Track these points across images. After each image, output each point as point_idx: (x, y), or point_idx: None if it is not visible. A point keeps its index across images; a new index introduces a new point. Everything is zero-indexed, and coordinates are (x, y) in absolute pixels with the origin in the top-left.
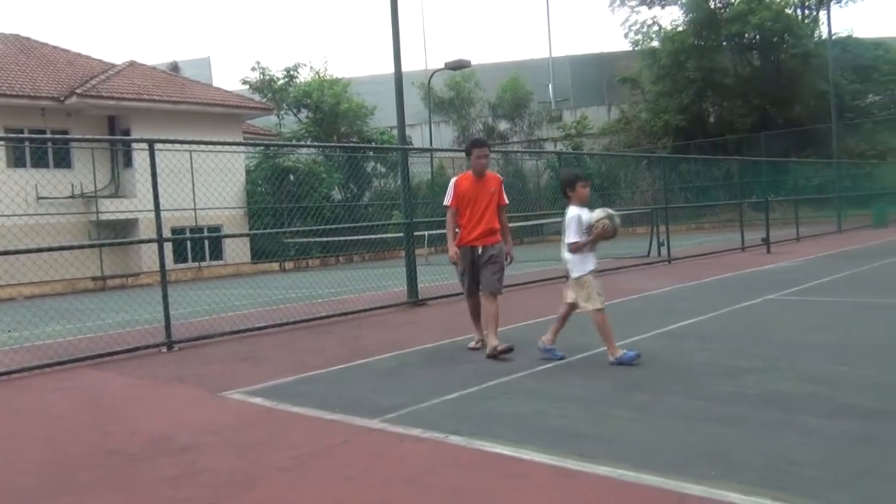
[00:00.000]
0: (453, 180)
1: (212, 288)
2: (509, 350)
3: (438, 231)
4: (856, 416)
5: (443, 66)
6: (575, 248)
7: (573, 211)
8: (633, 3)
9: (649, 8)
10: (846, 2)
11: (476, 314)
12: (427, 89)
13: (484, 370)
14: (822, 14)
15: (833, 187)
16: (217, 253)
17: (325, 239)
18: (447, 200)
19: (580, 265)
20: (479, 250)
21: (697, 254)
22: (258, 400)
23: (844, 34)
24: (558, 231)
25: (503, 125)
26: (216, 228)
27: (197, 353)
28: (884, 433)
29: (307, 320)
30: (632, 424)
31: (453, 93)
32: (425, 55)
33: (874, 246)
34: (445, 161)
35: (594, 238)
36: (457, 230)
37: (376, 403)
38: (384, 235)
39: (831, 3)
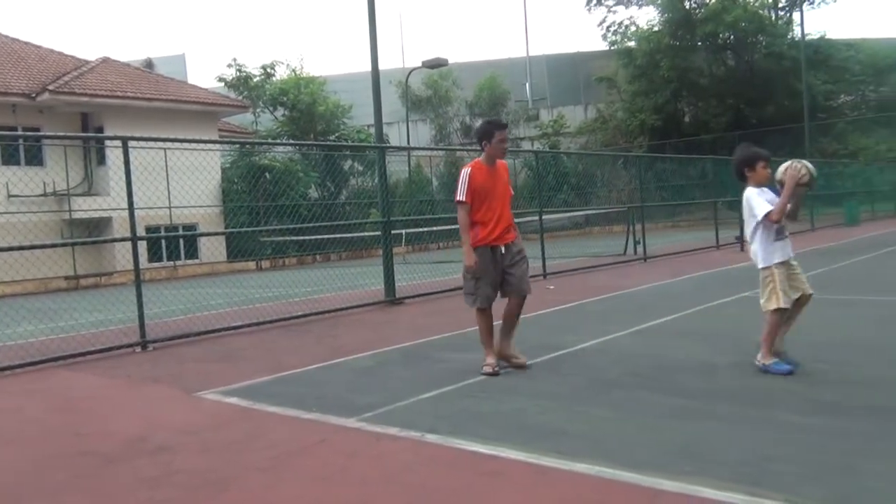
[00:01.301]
0: (467, 171)
1: (187, 287)
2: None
3: (416, 230)
4: (830, 412)
5: (420, 64)
6: (777, 217)
7: (750, 190)
8: (610, 3)
9: (626, 8)
10: (818, 3)
11: (490, 329)
12: (404, 88)
13: (461, 369)
14: (796, 15)
15: None
16: (192, 252)
17: (301, 238)
18: (461, 195)
19: (766, 254)
20: (503, 250)
21: (673, 252)
22: (234, 400)
23: (817, 35)
24: (536, 230)
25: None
26: (191, 227)
27: (172, 352)
28: (858, 429)
29: (284, 319)
30: (609, 422)
31: (431, 91)
32: (402, 53)
33: (846, 244)
34: (423, 160)
35: (790, 183)
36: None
37: (353, 403)
38: (361, 234)
39: (804, 4)
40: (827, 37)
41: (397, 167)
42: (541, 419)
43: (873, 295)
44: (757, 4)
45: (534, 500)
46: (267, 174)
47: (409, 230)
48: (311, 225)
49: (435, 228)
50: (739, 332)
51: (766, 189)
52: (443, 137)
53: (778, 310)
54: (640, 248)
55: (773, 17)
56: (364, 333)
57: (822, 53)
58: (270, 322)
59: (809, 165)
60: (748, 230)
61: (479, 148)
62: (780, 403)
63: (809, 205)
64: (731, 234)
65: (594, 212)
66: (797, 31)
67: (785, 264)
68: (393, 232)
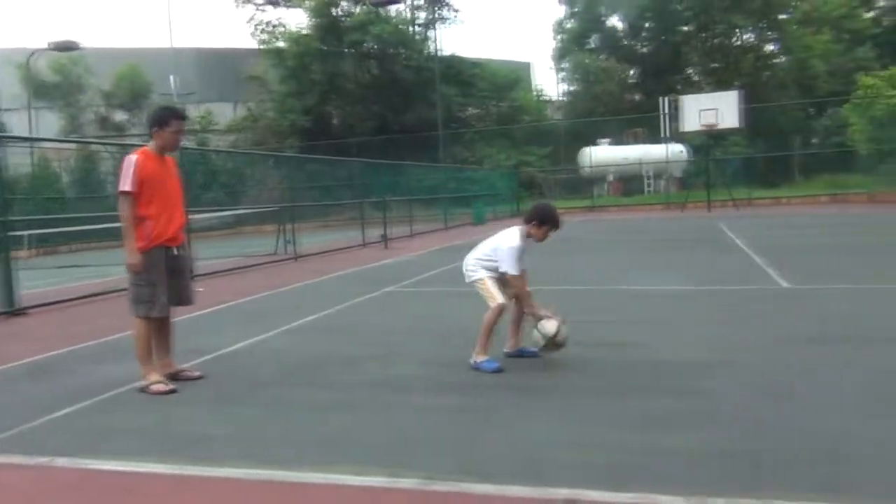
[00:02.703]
0: (133, 158)
1: None
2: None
3: (42, 231)
4: (457, 392)
5: (46, 45)
6: (511, 278)
7: (516, 241)
8: (259, 2)
9: (275, 8)
10: (450, 23)
11: (151, 343)
12: (27, 70)
13: (99, 382)
14: (432, 33)
15: (441, 189)
16: None
17: None
18: (127, 185)
19: (479, 273)
20: (175, 251)
21: (324, 250)
22: None
23: (450, 53)
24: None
25: (120, 116)
26: None
27: None
28: (478, 405)
29: None
30: (259, 421)
31: (60, 77)
32: (23, 32)
33: (474, 240)
34: (51, 152)
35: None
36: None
37: None
38: None
39: (437, 24)
40: (458, 55)
41: (19, 160)
42: (186, 427)
43: None
44: (398, 20)
45: None
46: None
47: (32, 231)
48: None
49: (66, 229)
50: (384, 324)
51: (521, 247)
52: (75, 129)
53: (500, 305)
54: (291, 248)
55: (413, 33)
56: None
57: (454, 69)
58: None
59: (556, 336)
60: (483, 255)
61: (114, 143)
62: (416, 388)
63: (444, 206)
64: (376, 232)
65: (245, 211)
66: (433, 47)
67: (492, 278)
68: (11, 234)
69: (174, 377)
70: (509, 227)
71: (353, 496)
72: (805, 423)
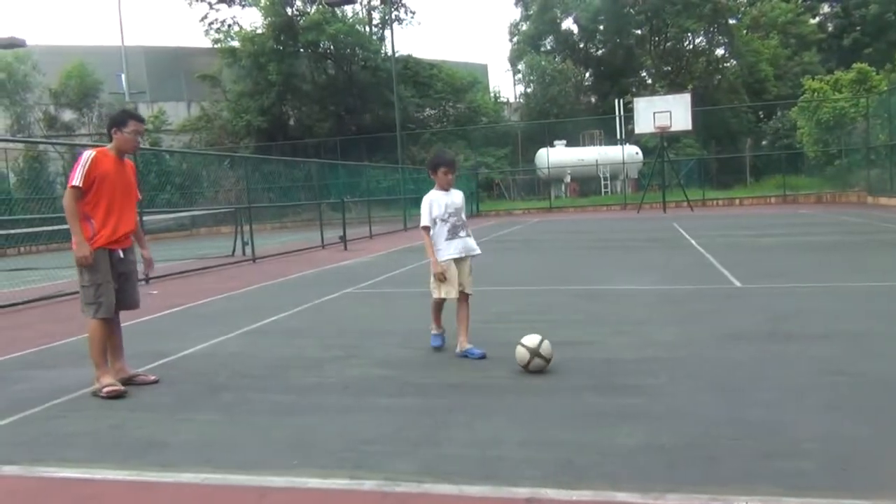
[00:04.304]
0: (90, 154)
1: None
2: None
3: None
4: (417, 393)
5: None
6: (424, 236)
7: (432, 193)
8: (213, 0)
9: (229, 6)
10: (406, 24)
11: (105, 345)
12: None
13: (47, 388)
14: (388, 33)
15: (399, 190)
16: None
17: None
18: (76, 180)
19: (435, 251)
20: (121, 254)
21: (281, 252)
22: None
23: (406, 54)
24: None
25: (69, 115)
26: None
27: None
28: (439, 405)
29: None
30: (216, 426)
31: (4, 75)
32: None
33: None
34: None
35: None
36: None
37: None
38: None
39: (394, 24)
40: (414, 56)
41: None
42: (142, 433)
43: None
44: (354, 20)
45: None
46: None
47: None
48: None
49: (13, 231)
50: (344, 326)
51: (452, 192)
52: (22, 128)
53: (438, 300)
54: (248, 249)
55: (369, 33)
56: None
57: (411, 70)
58: None
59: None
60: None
61: (62, 143)
62: (376, 389)
63: (403, 207)
64: (335, 234)
65: (201, 212)
66: (389, 48)
67: (455, 261)
68: None
69: (129, 382)
70: (469, 227)
71: (314, 499)
72: (755, 418)
